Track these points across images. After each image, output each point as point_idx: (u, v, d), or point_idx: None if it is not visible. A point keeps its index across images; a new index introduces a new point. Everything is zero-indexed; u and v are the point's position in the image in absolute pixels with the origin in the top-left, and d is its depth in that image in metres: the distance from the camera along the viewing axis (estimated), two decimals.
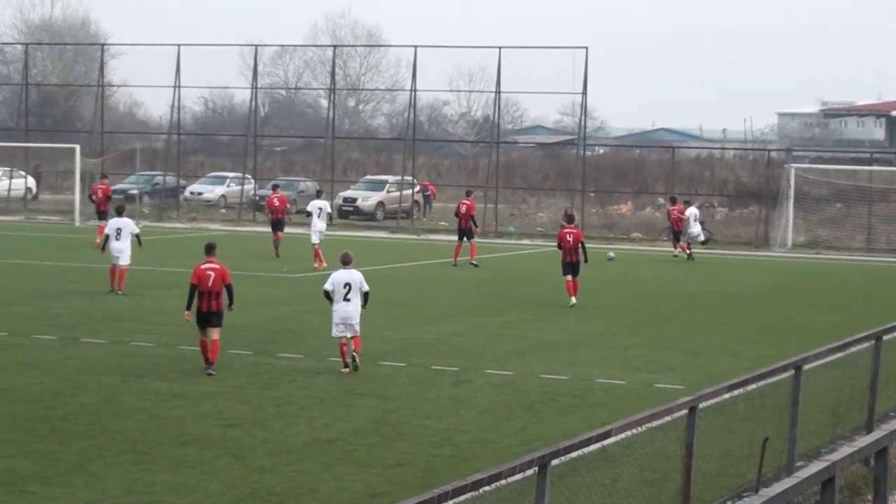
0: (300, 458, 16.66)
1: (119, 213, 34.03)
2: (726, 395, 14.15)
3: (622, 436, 12.19)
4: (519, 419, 19.51)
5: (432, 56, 65.34)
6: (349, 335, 22.71)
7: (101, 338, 25.80)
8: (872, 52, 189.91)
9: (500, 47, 65.51)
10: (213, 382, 21.56)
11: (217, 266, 22.65)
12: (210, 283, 22.32)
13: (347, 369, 22.66)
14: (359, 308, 22.84)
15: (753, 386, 14.92)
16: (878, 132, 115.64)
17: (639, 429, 12.56)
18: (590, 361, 24.88)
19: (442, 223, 65.04)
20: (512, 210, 68.94)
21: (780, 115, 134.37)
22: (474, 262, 42.70)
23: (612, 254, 43.73)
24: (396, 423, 18.89)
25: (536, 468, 10.22)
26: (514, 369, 23.66)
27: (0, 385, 20.73)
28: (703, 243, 50.97)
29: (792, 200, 58.69)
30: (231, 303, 22.82)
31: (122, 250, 32.61)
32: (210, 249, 23.12)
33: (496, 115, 68.88)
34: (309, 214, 41.83)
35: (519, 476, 10.18)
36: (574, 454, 11.34)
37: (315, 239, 41.46)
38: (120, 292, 32.17)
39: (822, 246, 57.94)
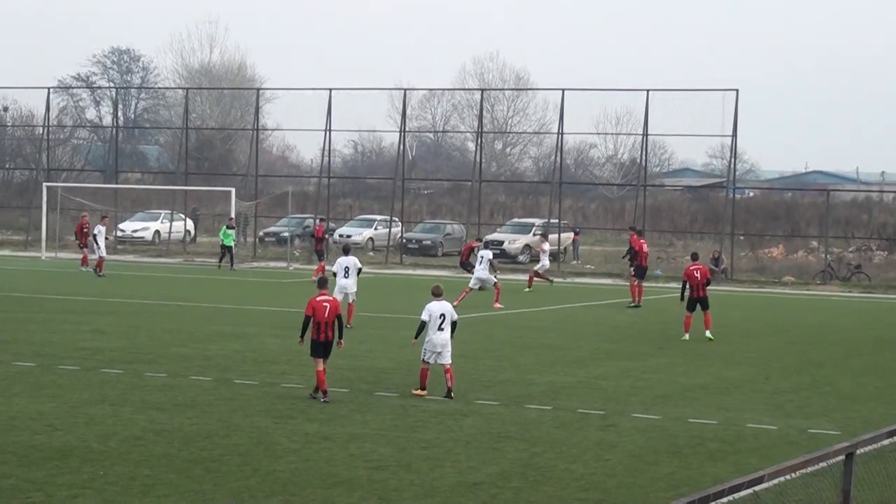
0: (446, 500, 16.58)
1: (346, 252, 36.08)
2: (886, 441, 13.80)
3: (775, 482, 11.92)
4: (666, 464, 19.24)
5: (579, 99, 65.10)
6: (440, 362, 24.22)
7: (252, 379, 26.04)
8: None
9: (647, 90, 65.35)
10: (361, 425, 21.60)
11: (331, 298, 24.08)
12: (326, 315, 23.43)
13: (424, 392, 24.20)
14: (449, 337, 24.35)
15: None
16: None
17: (793, 475, 12.28)
18: (739, 406, 24.49)
19: (588, 266, 64.85)
20: (659, 253, 68.40)
21: None
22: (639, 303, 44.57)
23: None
24: (542, 467, 18.73)
25: None
26: (660, 413, 23.38)
27: (158, 426, 20.97)
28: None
29: None
30: (340, 336, 23.78)
31: (350, 286, 34.95)
32: (323, 283, 24.47)
33: (643, 157, 68.61)
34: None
35: None
36: (724, 500, 11.11)
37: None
38: (349, 325, 32.20)
39: None
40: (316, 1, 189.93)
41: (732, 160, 66.90)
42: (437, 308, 24.36)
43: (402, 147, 71.90)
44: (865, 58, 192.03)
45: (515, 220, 74.59)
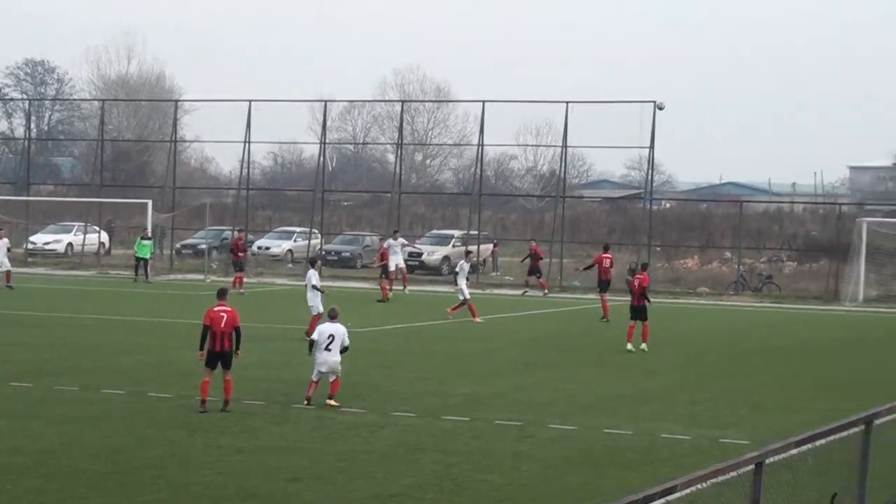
0: None
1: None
2: (794, 451, 13.89)
3: (686, 491, 11.95)
4: (581, 474, 19.30)
5: (500, 111, 65.48)
6: (330, 377, 24.57)
7: (167, 392, 25.86)
8: None
9: (567, 101, 65.41)
10: (276, 437, 21.55)
11: (228, 309, 23.82)
12: (222, 325, 23.47)
13: (307, 403, 24.41)
14: (338, 358, 24.48)
15: (822, 441, 14.65)
16: None
17: (704, 484, 12.33)
18: (654, 416, 24.63)
19: (507, 277, 64.95)
20: (577, 264, 68.48)
21: (852, 168, 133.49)
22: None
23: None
24: (458, 478, 18.72)
25: None
26: (577, 424, 23.45)
27: (68, 439, 20.78)
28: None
29: (864, 255, 57.99)
30: (237, 347, 23.74)
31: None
32: (222, 294, 24.42)
33: (562, 169, 68.76)
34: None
35: None
36: None
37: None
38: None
39: (894, 300, 57.19)
40: (236, 13, 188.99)
41: (650, 171, 67.23)
42: (328, 329, 24.57)
43: (321, 159, 71.67)
44: (778, 71, 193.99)
45: (435, 231, 74.53)
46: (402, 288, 52.87)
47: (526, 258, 55.69)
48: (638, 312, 35.02)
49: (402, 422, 23.25)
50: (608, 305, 43.81)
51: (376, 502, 17.17)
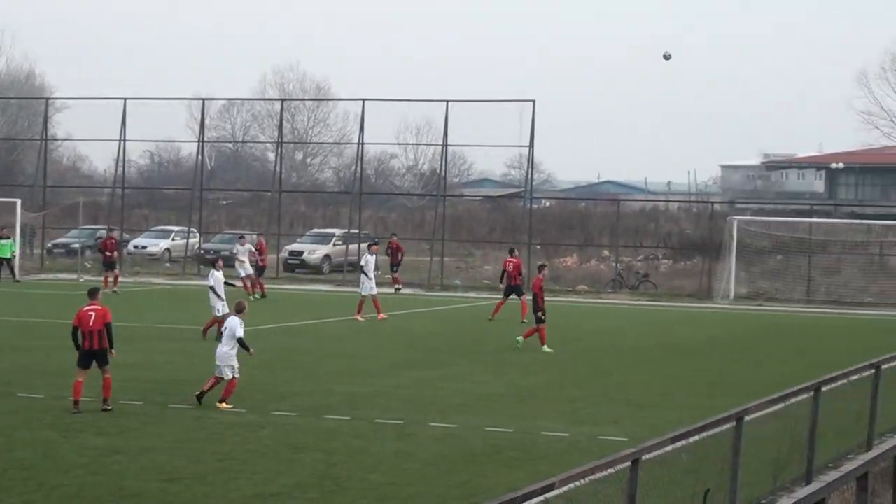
0: None
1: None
2: (669, 448, 14.06)
3: (565, 488, 12.05)
4: (462, 472, 19.36)
5: (380, 109, 65.43)
6: (217, 374, 24.03)
7: (38, 392, 25.51)
8: (812, 105, 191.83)
9: (447, 100, 65.36)
10: (154, 437, 21.36)
11: (98, 307, 23.44)
12: (91, 323, 23.12)
13: (197, 396, 24.09)
14: (227, 349, 23.99)
15: (696, 437, 14.84)
16: (817, 184, 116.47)
17: (582, 481, 12.44)
18: (534, 414, 24.76)
19: (386, 276, 64.99)
20: (458, 262, 68.69)
21: (724, 167, 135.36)
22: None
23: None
24: (339, 478, 18.71)
25: None
26: (458, 422, 23.51)
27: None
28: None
29: (734, 252, 58.89)
30: (111, 346, 23.39)
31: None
32: (93, 293, 24.08)
33: (443, 167, 69.03)
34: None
35: None
36: None
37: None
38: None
39: (763, 298, 58.10)
40: (111, 10, 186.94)
41: (529, 170, 67.45)
42: (226, 322, 24.69)
43: (200, 157, 71.17)
44: (654, 73, 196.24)
45: (316, 230, 74.22)
46: (257, 296, 49.43)
47: (386, 252, 56.03)
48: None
49: (283, 421, 23.18)
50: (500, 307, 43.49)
51: (256, 502, 17.10)
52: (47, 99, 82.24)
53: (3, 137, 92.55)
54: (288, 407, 24.58)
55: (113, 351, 23.56)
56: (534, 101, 63.09)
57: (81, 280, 57.24)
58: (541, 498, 11.56)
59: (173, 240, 72.11)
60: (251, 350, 24.26)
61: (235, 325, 23.97)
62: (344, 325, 40.81)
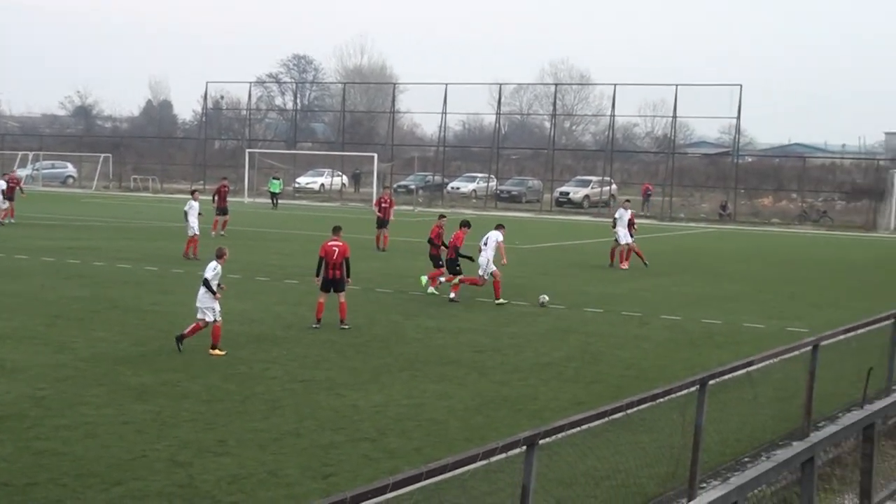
0: (526, 375, 16.64)
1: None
2: (841, 336, 13.64)
3: (761, 364, 11.83)
4: (684, 351, 19.16)
5: (627, 91, 64.76)
6: (199, 317, 17.43)
7: (388, 288, 26.21)
8: None
9: (676, 84, 64.59)
10: (467, 321, 21.63)
11: (340, 243, 20.32)
12: (335, 257, 20.11)
13: (177, 338, 17.40)
14: (203, 296, 17.40)
15: (863, 330, 14.36)
16: None
17: (775, 360, 12.21)
18: (738, 311, 24.26)
19: (641, 212, 64.22)
20: (682, 201, 67.67)
21: (887, 133, 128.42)
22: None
23: (545, 298, 24.05)
24: (595, 353, 18.73)
25: (698, 386, 10.00)
26: (682, 315, 23.22)
27: (328, 321, 21.05)
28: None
29: (895, 196, 56.60)
30: (348, 275, 20.29)
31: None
32: (336, 230, 20.70)
33: (673, 133, 67.83)
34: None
35: (685, 392, 9.98)
36: (726, 377, 11.07)
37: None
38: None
39: None
40: (441, 14, 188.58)
41: (736, 135, 65.74)
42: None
43: (497, 125, 71.27)
44: (831, 58, 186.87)
45: (579, 177, 73.67)
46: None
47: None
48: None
49: (555, 312, 23.27)
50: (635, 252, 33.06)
51: (537, 368, 17.20)
52: (395, 84, 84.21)
53: (365, 111, 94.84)
54: (558, 301, 24.64)
55: (349, 279, 20.44)
56: (741, 85, 61.82)
57: (416, 210, 58.47)
58: (744, 371, 11.40)
59: (478, 183, 72.88)
60: (217, 294, 17.35)
61: (206, 269, 17.59)
62: (599, 245, 40.45)
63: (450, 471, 6.44)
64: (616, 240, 32.78)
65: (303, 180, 76.10)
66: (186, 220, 31.95)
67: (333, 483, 10.86)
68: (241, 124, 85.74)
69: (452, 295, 24.39)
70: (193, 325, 17.44)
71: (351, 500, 5.48)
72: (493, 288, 24.33)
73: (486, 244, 24.89)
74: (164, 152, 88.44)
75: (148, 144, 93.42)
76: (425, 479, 6.18)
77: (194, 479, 10.90)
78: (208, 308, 17.32)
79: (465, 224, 25.47)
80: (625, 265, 32.28)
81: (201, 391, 14.81)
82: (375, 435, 12.83)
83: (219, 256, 17.80)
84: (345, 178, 76.29)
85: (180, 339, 17.37)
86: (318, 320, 20.12)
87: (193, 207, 31.99)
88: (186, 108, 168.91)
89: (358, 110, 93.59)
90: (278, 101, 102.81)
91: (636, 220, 33.99)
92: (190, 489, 10.62)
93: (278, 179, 63.27)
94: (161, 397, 14.36)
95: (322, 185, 75.96)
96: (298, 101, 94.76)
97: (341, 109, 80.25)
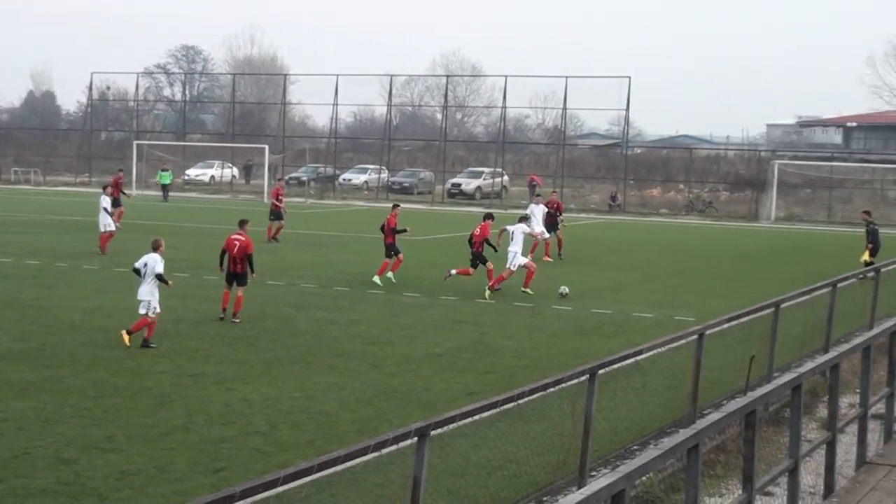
0: (418, 367, 16.66)
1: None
2: (725, 325, 13.95)
3: (650, 353, 12.03)
4: (575, 341, 19.38)
5: (518, 83, 65.32)
6: (141, 312, 17.42)
7: (279, 281, 25.98)
8: (833, 79, 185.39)
9: (566, 76, 65.26)
10: (357, 312, 21.59)
11: (243, 238, 20.21)
12: (235, 251, 20.02)
13: (127, 337, 17.26)
14: (148, 289, 17.50)
15: (745, 318, 14.70)
16: (836, 138, 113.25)
17: (662, 348, 12.43)
18: (627, 300, 24.64)
19: (523, 202, 64.80)
20: (573, 193, 68.42)
21: (768, 125, 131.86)
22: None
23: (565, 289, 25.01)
24: (488, 343, 18.84)
25: (588, 375, 10.13)
26: (572, 306, 23.50)
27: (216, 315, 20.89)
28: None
29: (775, 187, 58.56)
30: (252, 270, 20.25)
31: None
32: (241, 223, 20.55)
33: (563, 125, 68.50)
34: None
35: (575, 381, 10.10)
36: (615, 366, 11.24)
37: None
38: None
39: (796, 219, 57.46)
40: (331, 9, 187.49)
41: (626, 127, 66.55)
42: (143, 259, 17.74)
43: (388, 117, 71.17)
44: (715, 55, 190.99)
45: (470, 168, 74.00)
46: None
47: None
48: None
49: (447, 303, 23.33)
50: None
51: (429, 359, 17.18)
52: (285, 75, 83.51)
53: (255, 102, 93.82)
54: (450, 293, 24.72)
55: (254, 274, 20.49)
56: (629, 77, 62.62)
57: (307, 202, 58.10)
58: (632, 360, 11.58)
59: (369, 174, 72.72)
60: (169, 283, 17.93)
61: (155, 262, 17.55)
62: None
63: (341, 463, 6.41)
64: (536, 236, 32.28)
65: (192, 172, 74.95)
66: (100, 215, 31.63)
67: (224, 477, 10.74)
68: (128, 115, 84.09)
69: (496, 286, 24.86)
70: (147, 321, 17.36)
71: (241, 494, 5.41)
72: (526, 277, 25.10)
73: (512, 238, 25.59)
74: (47, 144, 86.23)
75: (30, 136, 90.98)
76: (317, 472, 6.15)
77: (80, 476, 10.67)
78: (153, 300, 17.39)
79: (489, 217, 26.34)
80: (547, 257, 32.63)
81: (87, 386, 14.50)
82: (267, 428, 12.72)
83: (156, 248, 17.82)
84: (235, 170, 75.38)
85: (146, 342, 17.29)
86: (224, 310, 20.13)
87: (107, 202, 31.80)
88: (71, 100, 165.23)
89: (248, 101, 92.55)
90: (167, 92, 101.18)
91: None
92: (76, 486, 10.39)
93: (168, 171, 62.34)
94: (44, 393, 14.02)
95: (212, 177, 74.95)
96: (187, 92, 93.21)
97: (231, 101, 79.21)
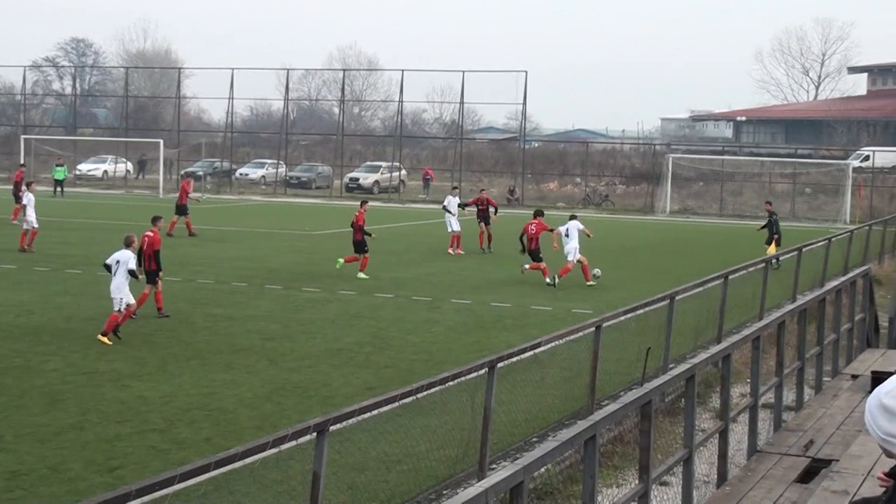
0: (317, 362, 16.59)
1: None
2: (622, 317, 14.15)
3: (548, 346, 12.17)
4: (474, 334, 19.47)
5: (415, 77, 65.53)
6: (115, 308, 17.77)
7: (176, 276, 25.60)
8: (724, 74, 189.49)
9: (463, 71, 65.39)
10: (255, 308, 21.41)
11: (151, 234, 20.04)
12: (144, 247, 19.72)
13: (105, 339, 17.41)
14: (119, 282, 17.86)
15: (641, 311, 14.94)
16: (727, 132, 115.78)
17: (560, 341, 12.56)
18: (526, 294, 24.83)
19: (420, 196, 64.93)
20: (471, 187, 68.63)
21: (662, 119, 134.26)
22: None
23: (597, 271, 26.89)
24: (386, 338, 18.82)
25: (487, 369, 10.19)
26: (471, 299, 23.61)
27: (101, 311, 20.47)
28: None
29: (670, 180, 59.47)
30: (159, 267, 19.96)
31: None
32: (154, 220, 20.68)
33: (461, 119, 68.76)
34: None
35: (474, 375, 10.15)
36: (514, 359, 11.32)
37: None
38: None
39: (689, 212, 58.46)
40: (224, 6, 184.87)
41: (523, 121, 67.06)
42: (116, 256, 18.09)
43: (286, 111, 70.71)
44: (610, 50, 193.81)
45: (368, 163, 73.89)
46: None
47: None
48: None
49: (345, 298, 23.25)
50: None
51: (328, 354, 17.18)
52: (179, 69, 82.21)
53: (149, 96, 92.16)
54: (349, 287, 24.68)
55: (161, 273, 20.17)
56: (526, 72, 63.11)
57: (203, 197, 57.25)
58: (531, 353, 11.68)
59: (267, 169, 72.04)
60: (139, 277, 18.64)
61: (128, 258, 17.93)
62: (387, 231, 40.64)
63: (239, 460, 6.35)
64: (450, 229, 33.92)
65: (85, 167, 73.30)
66: (24, 213, 31.28)
67: (119, 476, 10.55)
68: (14, 109, 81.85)
69: (549, 280, 26.39)
70: (117, 318, 17.65)
71: (136, 493, 5.32)
72: (582, 271, 26.84)
73: (567, 234, 27.53)
74: None
75: None
76: (214, 469, 6.07)
77: None
78: (118, 298, 17.70)
79: (540, 213, 28.55)
80: (459, 251, 33.05)
81: None
82: (164, 426, 12.53)
83: (129, 244, 18.26)
84: (129, 164, 73.94)
85: (116, 331, 17.58)
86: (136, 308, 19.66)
87: (31, 199, 31.41)
88: None
89: (142, 95, 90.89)
90: (56, 85, 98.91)
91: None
92: None
93: (62, 166, 60.79)
94: None
95: (105, 171, 73.42)
96: (78, 85, 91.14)
97: (124, 94, 77.62)
